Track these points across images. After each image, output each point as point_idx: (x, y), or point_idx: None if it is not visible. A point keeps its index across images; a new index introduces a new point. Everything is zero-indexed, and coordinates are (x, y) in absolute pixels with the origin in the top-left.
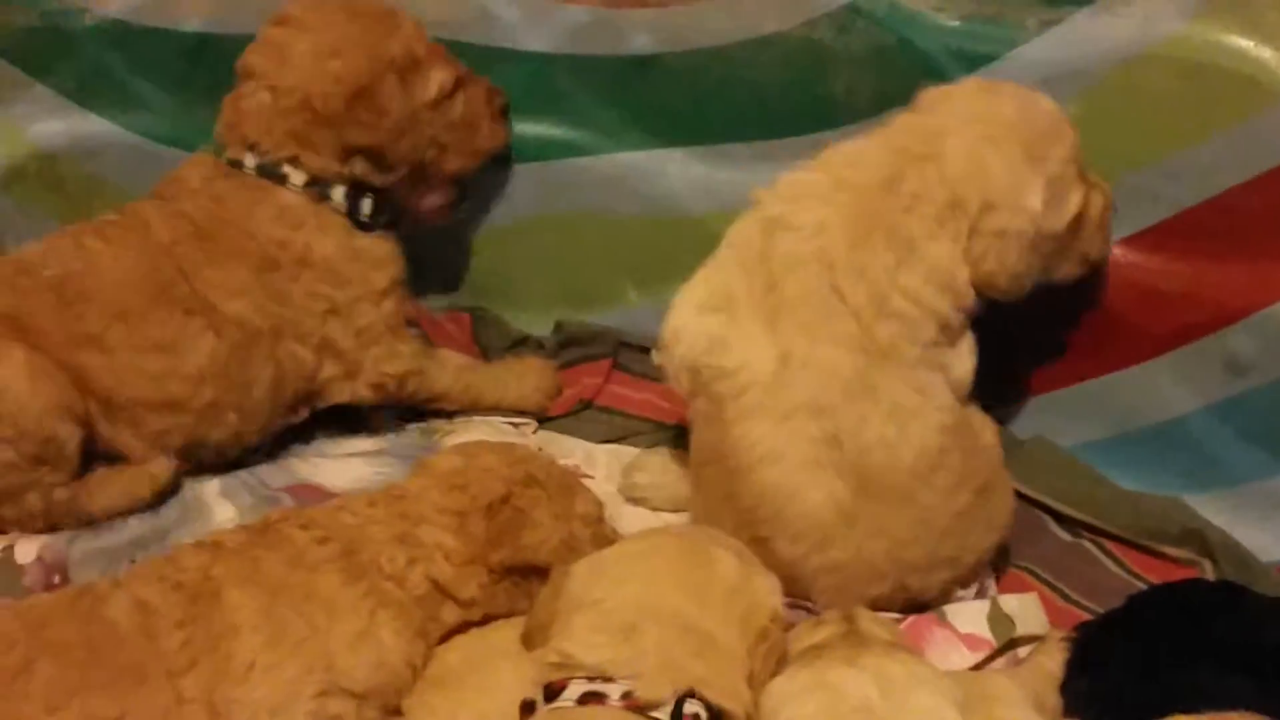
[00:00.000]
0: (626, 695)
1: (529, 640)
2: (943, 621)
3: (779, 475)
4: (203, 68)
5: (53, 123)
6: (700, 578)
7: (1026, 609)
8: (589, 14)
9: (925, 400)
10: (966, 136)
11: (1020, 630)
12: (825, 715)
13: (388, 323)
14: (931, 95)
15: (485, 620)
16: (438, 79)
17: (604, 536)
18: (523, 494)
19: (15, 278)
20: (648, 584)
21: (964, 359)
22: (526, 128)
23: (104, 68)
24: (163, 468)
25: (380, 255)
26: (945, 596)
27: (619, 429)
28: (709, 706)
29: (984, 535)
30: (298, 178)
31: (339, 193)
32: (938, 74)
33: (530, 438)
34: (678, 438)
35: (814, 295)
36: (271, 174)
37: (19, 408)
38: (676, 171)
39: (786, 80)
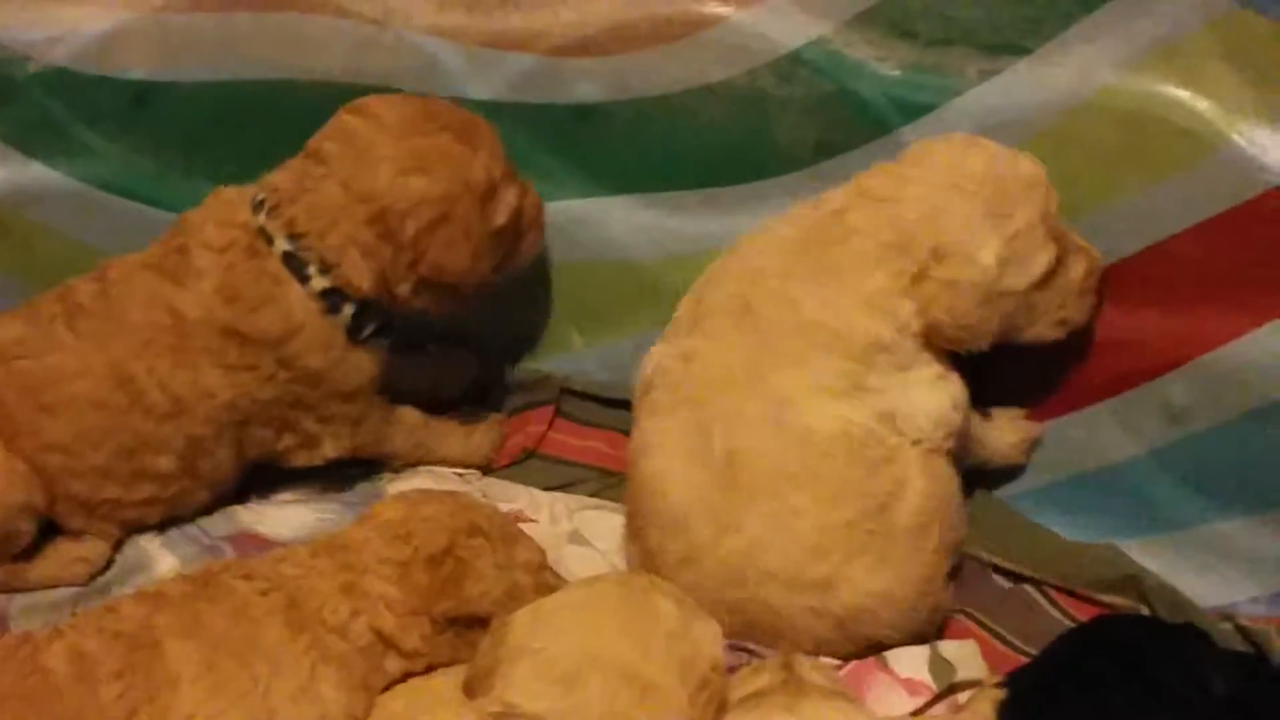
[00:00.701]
0: None
1: (470, 689)
2: (884, 666)
3: (654, 466)
4: (146, 115)
5: None
6: (641, 626)
7: (965, 654)
8: (534, 62)
9: (824, 403)
10: (931, 185)
11: (960, 676)
12: None
13: (351, 414)
14: (917, 147)
15: (428, 669)
16: (509, 203)
17: (546, 584)
18: (465, 544)
19: None
20: (590, 632)
21: (917, 392)
22: None
23: (47, 115)
24: (98, 552)
25: (363, 366)
26: (812, 639)
27: (562, 476)
28: None
29: (873, 580)
30: (319, 283)
31: (348, 310)
32: (879, 123)
33: (474, 484)
34: (621, 484)
35: (729, 304)
36: (297, 269)
37: None
38: (621, 218)
39: (730, 128)
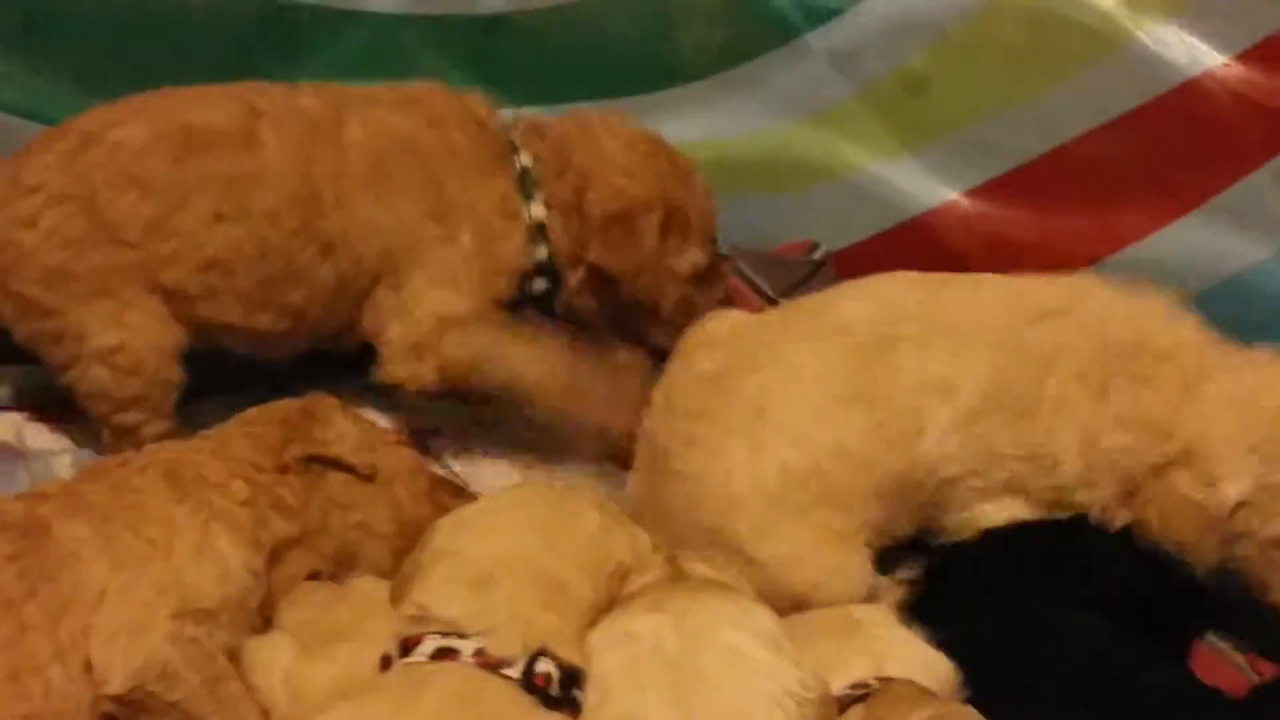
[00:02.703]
0: (479, 652)
1: (394, 595)
2: None
3: None
4: (39, 36)
5: None
6: (560, 529)
7: None
8: None
9: None
10: None
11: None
12: (626, 665)
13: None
14: None
15: (314, 540)
16: (693, 256)
17: (434, 484)
18: (317, 404)
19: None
20: (507, 535)
21: None
22: None
23: None
24: None
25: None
26: None
27: None
28: (560, 664)
29: None
30: (537, 211)
31: (541, 252)
32: (785, 28)
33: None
34: None
35: None
36: (526, 189)
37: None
38: None
39: (636, 37)
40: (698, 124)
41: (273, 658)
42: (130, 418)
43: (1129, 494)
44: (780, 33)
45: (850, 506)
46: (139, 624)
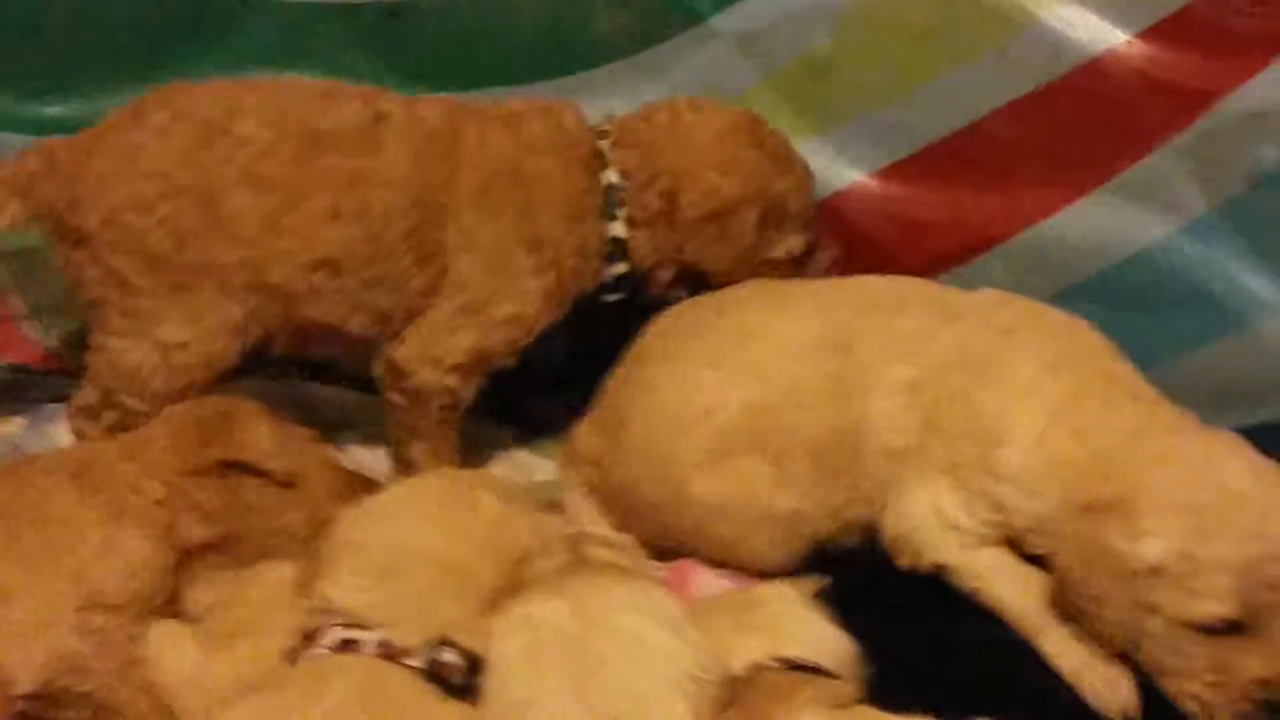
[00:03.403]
0: (382, 644)
1: (300, 587)
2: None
3: None
4: None
5: None
6: (462, 518)
7: None
8: None
9: None
10: None
11: None
12: (525, 651)
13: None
14: None
15: (233, 541)
16: (789, 244)
17: (351, 482)
18: (238, 407)
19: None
20: (410, 526)
21: None
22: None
23: None
24: None
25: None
26: None
27: None
28: (463, 653)
29: None
30: (617, 229)
31: (617, 268)
32: (692, 12)
33: None
34: None
35: None
36: (610, 206)
37: None
38: None
39: (543, 22)
40: (605, 109)
41: (177, 655)
42: (137, 405)
43: (1057, 520)
44: (686, 17)
45: (788, 460)
46: (44, 621)
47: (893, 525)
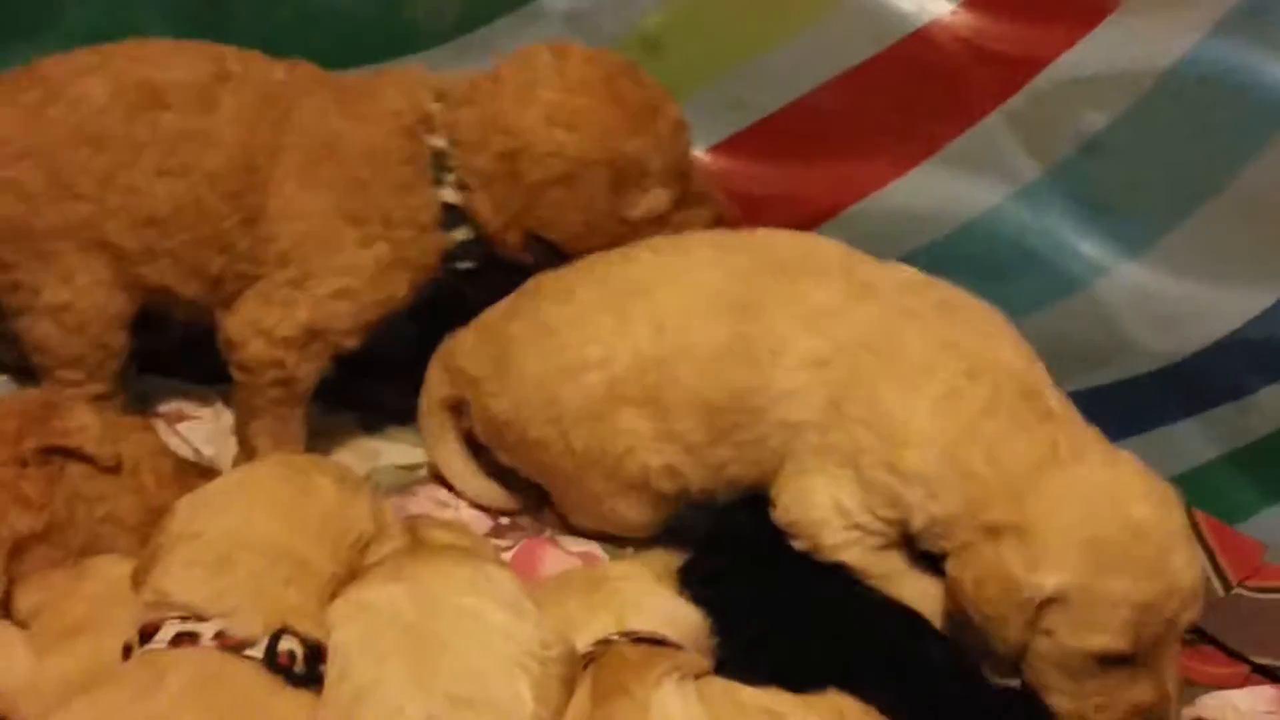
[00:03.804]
0: (219, 635)
1: (134, 581)
2: (555, 543)
3: None
4: None
5: None
6: (297, 504)
7: None
8: None
9: None
10: None
11: (631, 549)
12: (365, 636)
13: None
14: None
15: (62, 539)
16: (650, 202)
17: (182, 469)
18: (59, 395)
19: None
20: (244, 514)
21: None
22: None
23: None
24: None
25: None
26: None
27: None
28: (303, 641)
29: None
30: (448, 195)
31: (460, 234)
32: None
33: None
34: None
35: None
36: (438, 171)
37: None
38: None
39: (368, 4)
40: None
41: (7, 659)
42: (70, 375)
43: (952, 527)
44: None
45: (675, 418)
46: None
47: (789, 510)
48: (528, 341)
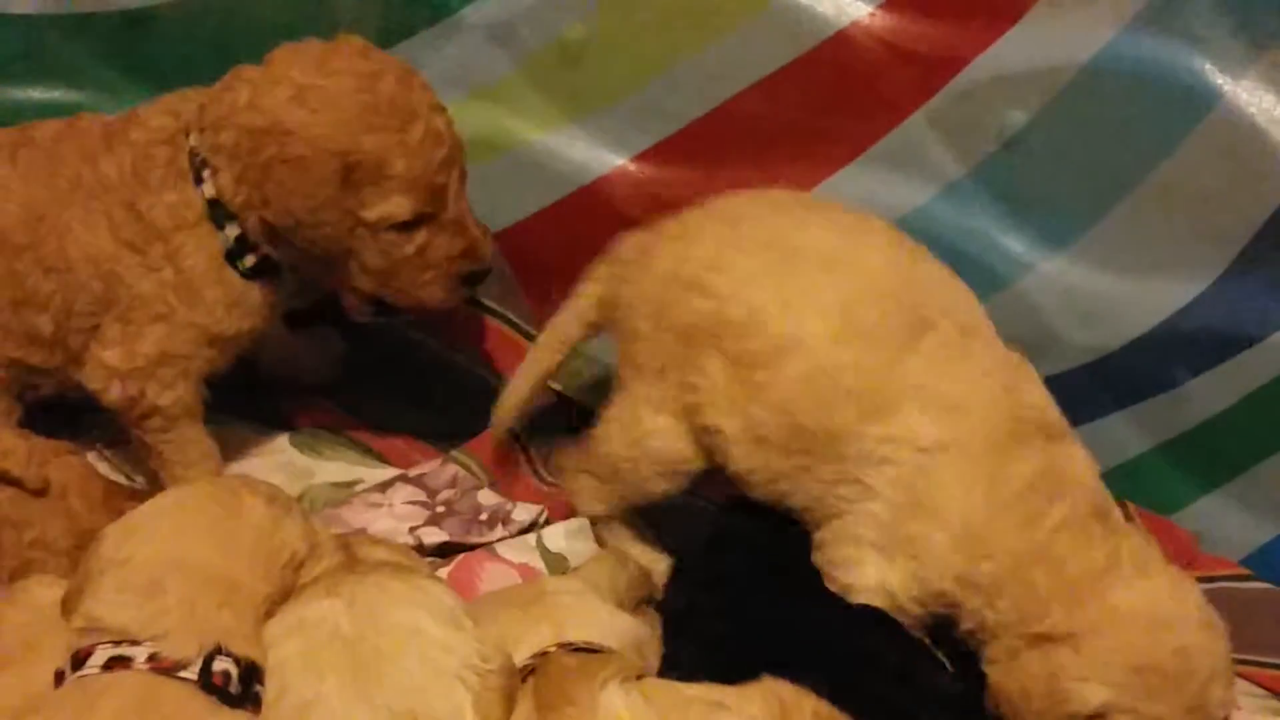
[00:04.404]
0: (153, 657)
1: (65, 607)
2: (494, 556)
3: None
4: None
5: None
6: (227, 526)
7: (575, 539)
8: None
9: None
10: None
11: (573, 564)
12: (303, 653)
13: (196, 361)
14: None
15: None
16: (388, 208)
17: (112, 492)
18: None
19: None
20: (174, 537)
21: None
22: (28, 93)
23: None
24: None
25: (247, 300)
26: None
27: None
28: (238, 661)
29: None
30: (208, 189)
31: (230, 231)
32: (439, 5)
33: None
34: None
35: None
36: (196, 167)
37: None
38: None
39: (288, 23)
40: None
41: None
42: None
43: (1002, 637)
44: (434, 10)
45: (756, 402)
46: None
47: (834, 566)
48: (672, 239)
